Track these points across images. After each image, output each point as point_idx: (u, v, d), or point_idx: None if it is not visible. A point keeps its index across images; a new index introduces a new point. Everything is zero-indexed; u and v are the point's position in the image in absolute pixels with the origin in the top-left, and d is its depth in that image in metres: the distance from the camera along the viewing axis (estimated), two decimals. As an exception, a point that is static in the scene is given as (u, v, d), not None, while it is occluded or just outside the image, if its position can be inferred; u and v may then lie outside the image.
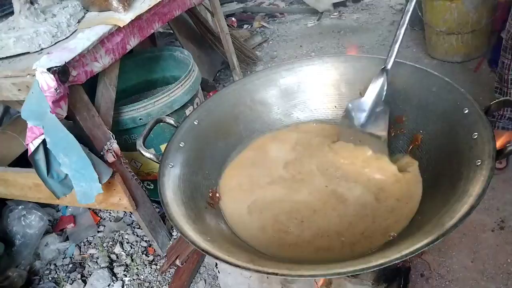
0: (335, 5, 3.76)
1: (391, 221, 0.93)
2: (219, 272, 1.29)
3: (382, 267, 0.70)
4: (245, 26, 3.92)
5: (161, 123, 1.19)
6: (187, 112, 1.79)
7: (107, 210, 2.09)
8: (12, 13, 1.41)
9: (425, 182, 0.98)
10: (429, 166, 0.99)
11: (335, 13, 3.77)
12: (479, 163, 0.80)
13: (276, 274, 0.73)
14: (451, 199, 0.79)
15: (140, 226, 1.93)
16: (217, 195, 1.11)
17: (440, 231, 0.71)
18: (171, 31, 3.10)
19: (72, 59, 1.22)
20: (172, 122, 1.18)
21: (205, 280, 1.64)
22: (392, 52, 1.08)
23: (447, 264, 1.47)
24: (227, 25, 2.59)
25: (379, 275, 1.02)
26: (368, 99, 1.10)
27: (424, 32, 2.76)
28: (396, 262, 0.69)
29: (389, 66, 1.08)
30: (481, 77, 2.38)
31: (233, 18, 3.94)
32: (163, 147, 1.73)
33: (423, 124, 1.05)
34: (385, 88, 1.07)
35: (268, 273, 0.73)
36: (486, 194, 1.68)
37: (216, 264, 1.32)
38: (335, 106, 1.27)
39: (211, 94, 2.60)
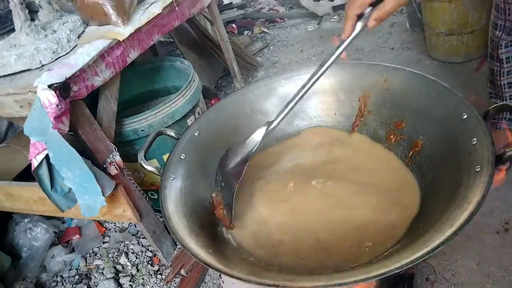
0: (335, 8, 3.77)
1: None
2: (223, 282, 1.29)
3: (383, 276, 0.70)
4: (246, 32, 3.93)
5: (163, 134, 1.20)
6: (189, 122, 1.80)
7: (112, 221, 2.10)
8: (13, 30, 1.43)
9: (425, 188, 0.98)
10: (429, 172, 0.99)
11: (335, 17, 3.77)
12: (478, 169, 0.80)
13: (278, 286, 0.73)
14: (451, 206, 0.79)
15: (145, 236, 1.94)
16: (221, 206, 1.12)
17: (440, 240, 0.71)
18: (172, 40, 3.12)
19: (73, 74, 1.23)
20: (172, 134, 1.20)
21: (210, 289, 1.65)
22: (282, 112, 1.02)
23: (452, 268, 1.47)
24: (227, 32, 2.61)
25: (382, 283, 1.02)
26: (244, 147, 1.06)
27: (424, 33, 2.75)
28: (397, 271, 0.70)
29: (273, 125, 1.03)
30: (482, 77, 2.36)
31: (233, 25, 3.96)
32: (165, 157, 1.75)
33: (423, 130, 1.06)
34: (258, 143, 1.03)
35: (269, 285, 0.74)
36: (490, 195, 1.67)
37: (220, 274, 1.32)
38: (335, 113, 1.28)
39: (213, 101, 2.61)
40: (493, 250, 1.48)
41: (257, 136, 1.04)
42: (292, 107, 1.02)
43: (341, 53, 0.95)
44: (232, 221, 1.03)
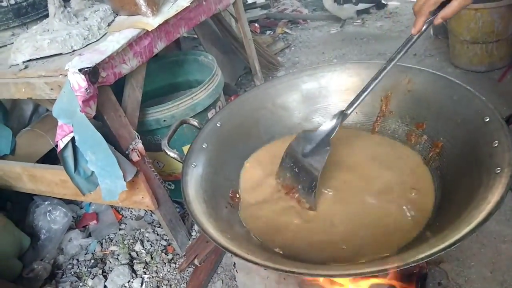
0: (358, 12, 3.76)
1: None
2: (237, 272, 1.31)
3: (398, 269, 0.71)
4: (268, 32, 3.95)
5: (185, 125, 1.23)
6: (209, 115, 1.83)
7: (128, 208, 2.14)
8: (46, 16, 1.48)
9: (443, 189, 0.98)
10: (448, 173, 1.00)
11: (358, 21, 3.77)
12: (498, 171, 0.81)
13: (293, 272, 0.75)
14: (469, 205, 0.79)
15: (160, 225, 1.97)
16: (237, 195, 1.14)
17: (456, 237, 0.72)
18: (195, 36, 3.16)
19: (102, 60, 1.27)
20: (195, 123, 1.22)
21: (222, 280, 1.67)
22: (357, 100, 1.07)
23: (466, 274, 1.46)
24: (250, 31, 2.63)
25: (396, 278, 1.03)
26: (319, 133, 1.09)
27: (448, 40, 2.74)
28: (413, 265, 0.71)
29: (348, 112, 1.07)
30: (505, 88, 2.35)
31: (256, 24, 3.98)
32: (184, 148, 1.78)
33: (444, 131, 1.06)
34: (336, 129, 1.06)
35: (286, 271, 0.75)
36: (507, 205, 1.67)
37: (234, 264, 1.34)
38: (356, 112, 1.28)
39: (232, 98, 2.64)
40: (508, 259, 1.47)
41: (331, 123, 1.07)
42: (364, 98, 1.07)
43: (410, 47, 1.01)
44: (314, 204, 1.05)
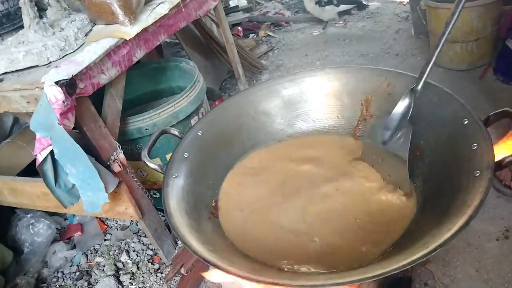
0: (340, 14, 3.79)
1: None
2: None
3: (380, 277, 0.71)
4: (251, 35, 3.96)
5: (167, 133, 1.22)
6: (193, 122, 1.82)
7: (113, 218, 2.11)
8: (21, 27, 1.46)
9: (424, 193, 0.99)
10: (429, 176, 1.00)
11: (341, 22, 3.79)
12: (478, 174, 0.81)
13: (277, 284, 0.74)
14: (450, 210, 0.80)
15: (146, 235, 1.95)
16: (219, 205, 1.13)
17: (438, 242, 0.72)
18: (177, 41, 3.14)
19: (79, 72, 1.25)
20: (176, 133, 1.21)
21: (209, 289, 1.66)
22: (424, 73, 1.02)
23: (451, 274, 1.47)
24: (233, 34, 2.62)
25: (380, 285, 1.03)
26: (395, 117, 1.07)
27: (429, 40, 2.77)
28: (395, 272, 0.71)
29: (418, 87, 1.03)
30: (486, 85, 2.38)
31: (239, 27, 3.98)
32: (168, 156, 1.76)
33: (424, 134, 1.06)
34: (412, 108, 1.04)
35: (268, 283, 0.75)
36: (490, 203, 1.68)
37: (220, 273, 1.33)
38: (337, 117, 1.29)
39: (217, 103, 2.63)
40: (493, 257, 1.48)
41: (405, 103, 1.05)
42: (431, 67, 1.01)
43: None
44: (407, 190, 1.02)
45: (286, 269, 0.90)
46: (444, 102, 1.01)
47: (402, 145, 1.03)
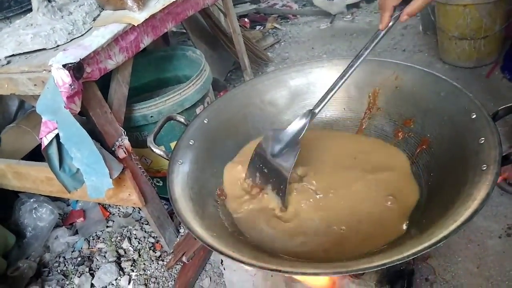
0: (348, 6, 3.76)
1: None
2: (224, 269, 1.31)
3: (384, 267, 0.71)
4: (258, 27, 3.94)
5: (172, 121, 1.21)
6: (198, 111, 1.82)
7: (116, 205, 2.12)
8: (30, 10, 1.45)
9: (430, 186, 0.98)
10: (435, 169, 1.00)
11: (348, 16, 3.77)
12: (484, 168, 0.81)
13: (280, 271, 0.74)
14: (456, 202, 0.79)
15: (148, 222, 1.96)
16: (224, 192, 1.13)
17: (443, 234, 0.72)
18: (184, 31, 3.13)
19: (87, 56, 1.24)
20: (182, 120, 1.21)
21: (210, 278, 1.66)
22: (324, 98, 1.05)
23: (452, 270, 1.47)
24: (240, 25, 2.61)
25: (382, 276, 1.03)
26: (288, 133, 1.07)
27: (437, 36, 2.75)
28: (399, 262, 0.71)
29: (316, 111, 1.05)
30: (493, 83, 2.37)
31: (245, 19, 3.96)
32: (172, 144, 1.76)
33: (431, 128, 1.06)
34: (306, 128, 1.05)
35: (271, 270, 0.75)
36: (494, 200, 1.68)
37: (222, 261, 1.34)
38: (344, 109, 1.29)
39: (221, 93, 2.62)
40: (495, 254, 1.48)
41: (300, 123, 1.06)
42: (332, 96, 1.05)
43: (377, 43, 1.00)
44: (284, 204, 1.04)
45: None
46: (452, 96, 1.01)
47: (287, 161, 1.04)
